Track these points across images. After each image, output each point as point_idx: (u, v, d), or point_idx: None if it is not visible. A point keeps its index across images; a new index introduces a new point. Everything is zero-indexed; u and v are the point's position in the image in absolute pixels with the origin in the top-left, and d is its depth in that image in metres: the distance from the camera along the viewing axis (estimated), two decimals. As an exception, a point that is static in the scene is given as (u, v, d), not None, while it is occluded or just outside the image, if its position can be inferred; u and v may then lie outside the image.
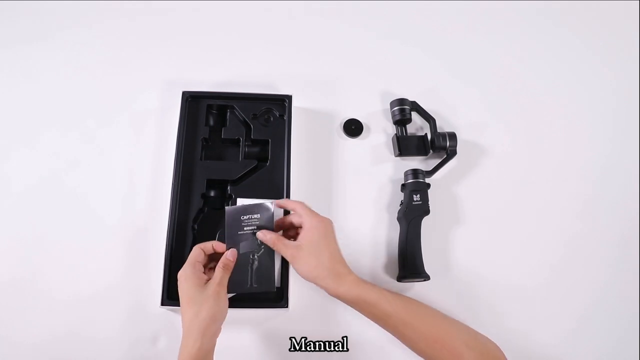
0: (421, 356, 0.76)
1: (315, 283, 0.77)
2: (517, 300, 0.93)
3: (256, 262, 0.81)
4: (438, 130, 1.01)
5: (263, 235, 0.80)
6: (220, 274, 0.76)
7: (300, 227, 0.80)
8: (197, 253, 0.77)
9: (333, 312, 0.89)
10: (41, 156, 0.98)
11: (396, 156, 1.02)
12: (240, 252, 0.80)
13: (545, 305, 0.93)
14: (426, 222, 0.93)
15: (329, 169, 1.00)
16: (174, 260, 0.84)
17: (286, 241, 0.79)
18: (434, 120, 1.02)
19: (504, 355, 0.75)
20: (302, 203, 0.82)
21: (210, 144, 0.96)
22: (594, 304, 0.94)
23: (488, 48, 1.14)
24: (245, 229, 0.81)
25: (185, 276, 0.75)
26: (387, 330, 0.78)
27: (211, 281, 0.75)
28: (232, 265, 0.78)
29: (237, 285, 0.80)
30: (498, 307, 0.92)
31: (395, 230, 0.94)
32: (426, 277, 0.89)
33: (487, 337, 0.77)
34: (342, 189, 0.98)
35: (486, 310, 0.92)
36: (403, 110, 1.01)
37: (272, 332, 0.87)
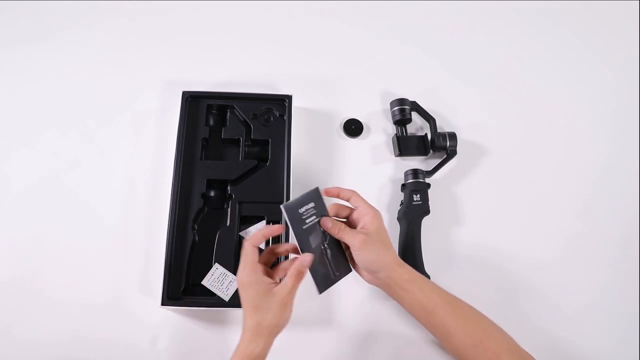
0: (460, 356, 0.77)
1: (380, 271, 0.76)
2: (518, 300, 0.94)
3: (329, 251, 0.79)
4: (438, 130, 1.02)
5: (325, 224, 0.77)
6: (292, 282, 0.71)
7: (351, 215, 0.79)
8: (252, 251, 0.72)
9: (333, 312, 0.91)
10: (41, 156, 0.99)
11: (396, 156, 1.03)
12: (313, 246, 0.77)
13: (546, 306, 0.95)
14: (426, 222, 0.94)
15: (329, 169, 1.01)
16: (174, 260, 0.85)
17: (351, 229, 0.77)
18: (434, 120, 1.03)
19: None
20: (354, 193, 0.79)
21: (210, 143, 0.97)
22: (594, 304, 0.95)
23: (488, 48, 1.16)
24: (307, 221, 0.77)
25: (249, 283, 0.71)
26: (427, 325, 0.79)
27: (280, 289, 0.71)
28: (306, 272, 0.73)
29: (325, 280, 0.78)
30: (498, 307, 0.92)
31: (396, 230, 0.95)
32: (426, 277, 0.90)
33: (527, 353, 0.76)
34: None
35: (486, 311, 0.92)
36: (403, 110, 1.02)
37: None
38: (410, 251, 0.91)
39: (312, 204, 0.77)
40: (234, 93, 1.00)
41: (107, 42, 1.10)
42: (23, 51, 1.08)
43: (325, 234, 0.78)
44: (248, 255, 0.72)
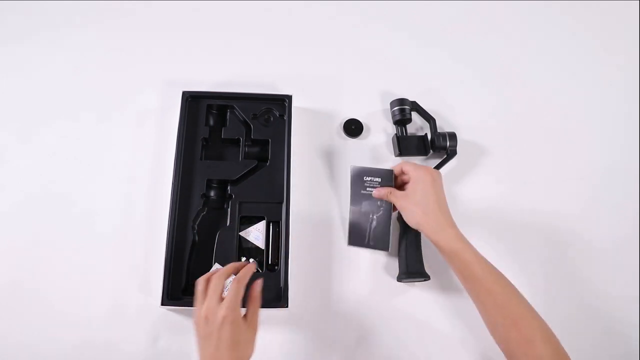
0: (493, 335, 0.79)
1: (419, 229, 0.85)
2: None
3: (374, 222, 0.94)
4: (438, 130, 1.03)
5: (377, 192, 0.90)
6: (255, 310, 0.77)
7: (407, 182, 0.89)
8: (242, 292, 0.74)
9: (333, 312, 0.91)
10: (40, 156, 1.00)
11: (396, 156, 1.04)
12: (362, 210, 0.94)
13: (546, 305, 0.95)
14: (426, 222, 0.95)
15: (329, 169, 1.02)
16: (174, 260, 0.86)
17: (397, 192, 0.88)
18: (434, 120, 1.04)
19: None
20: (404, 162, 0.91)
21: (210, 143, 0.98)
22: (595, 304, 0.96)
23: (488, 48, 1.17)
24: (367, 189, 0.94)
25: (232, 319, 0.71)
26: (470, 295, 0.82)
27: (251, 322, 0.75)
28: (259, 297, 0.78)
29: (357, 240, 0.94)
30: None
31: (396, 230, 0.96)
32: (426, 277, 0.90)
33: (561, 344, 0.76)
34: (342, 189, 1.00)
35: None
36: (403, 110, 1.03)
37: (272, 332, 0.89)
38: (411, 251, 0.92)
39: (378, 179, 0.94)
40: (234, 93, 1.00)
41: (106, 42, 1.11)
42: (22, 50, 1.09)
43: (380, 207, 0.93)
44: (237, 293, 0.73)
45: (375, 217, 0.94)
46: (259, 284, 0.79)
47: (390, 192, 0.89)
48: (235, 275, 0.76)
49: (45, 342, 0.87)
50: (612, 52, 1.19)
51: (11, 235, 0.94)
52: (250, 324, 0.75)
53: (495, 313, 0.78)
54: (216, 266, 0.87)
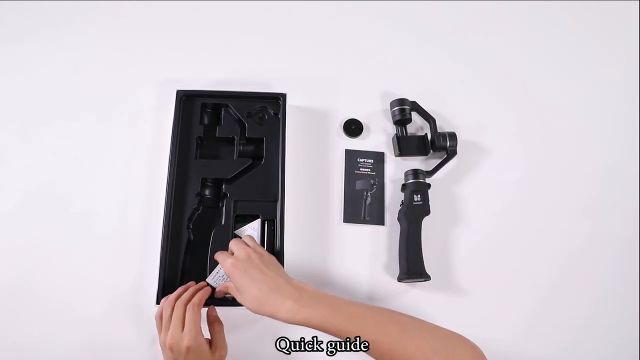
0: None
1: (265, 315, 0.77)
2: (518, 300, 0.96)
3: (369, 199, 1.02)
4: (438, 130, 1.06)
5: (218, 293, 0.85)
6: (219, 334, 0.84)
7: None
8: (198, 316, 0.80)
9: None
10: (35, 155, 1.03)
11: (396, 156, 1.07)
12: (357, 188, 1.03)
13: (546, 306, 0.97)
14: (427, 222, 0.98)
15: (329, 169, 1.05)
16: (169, 259, 0.89)
17: (231, 287, 0.81)
18: (434, 120, 1.07)
19: (484, 356, 0.73)
20: (219, 255, 0.84)
21: (205, 142, 1.01)
22: (595, 304, 0.99)
23: (488, 48, 1.20)
24: (361, 169, 1.04)
25: (196, 347, 0.76)
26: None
27: (218, 345, 0.82)
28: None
29: (353, 217, 1.00)
30: (498, 308, 0.95)
31: (396, 230, 0.99)
32: (427, 277, 0.93)
33: (459, 340, 0.74)
34: (341, 189, 1.03)
35: (487, 311, 0.95)
36: (403, 110, 1.06)
37: (266, 331, 0.91)
38: (411, 251, 0.94)
39: (371, 161, 1.05)
40: (228, 92, 1.03)
41: (101, 42, 1.14)
42: (18, 49, 1.12)
43: (373, 185, 1.03)
44: (195, 320, 0.78)
45: (369, 194, 1.00)
46: (213, 308, 0.87)
47: (228, 287, 0.82)
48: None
49: (42, 341, 0.89)
50: (612, 52, 1.23)
51: (10, 235, 0.96)
52: (217, 347, 0.82)
53: (374, 356, 0.74)
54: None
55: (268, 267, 0.79)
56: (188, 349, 0.76)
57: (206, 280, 0.88)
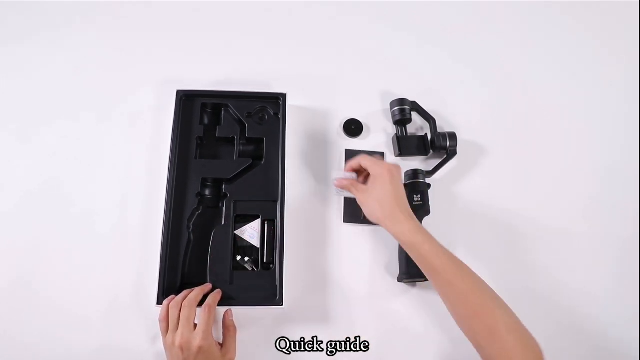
0: (459, 326, 0.82)
1: (379, 224, 0.89)
2: (517, 300, 0.97)
3: None
4: (438, 130, 1.07)
5: (339, 182, 0.94)
6: (232, 339, 0.87)
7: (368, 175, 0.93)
8: (212, 318, 0.83)
9: (330, 312, 0.94)
10: (35, 155, 1.04)
11: (396, 156, 1.08)
12: None
13: (545, 306, 0.99)
14: (427, 222, 0.99)
15: (329, 169, 1.06)
16: (170, 259, 0.90)
17: (359, 186, 0.92)
18: (434, 120, 1.08)
19: (542, 352, 0.76)
20: (362, 157, 0.93)
21: (205, 142, 1.02)
22: (595, 304, 1.00)
23: (488, 48, 1.22)
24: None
25: (207, 348, 0.80)
26: (434, 287, 0.85)
27: (228, 350, 0.85)
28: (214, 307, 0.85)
29: (353, 217, 1.01)
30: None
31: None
32: (426, 278, 0.93)
33: (528, 331, 0.78)
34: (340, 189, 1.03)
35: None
36: (403, 110, 1.07)
37: (268, 330, 0.93)
38: (410, 251, 0.95)
39: None
40: (229, 92, 1.04)
41: (101, 41, 1.15)
42: (17, 50, 1.13)
43: None
44: (208, 321, 0.82)
45: None
46: (230, 312, 0.90)
47: (352, 184, 0.93)
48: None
49: (43, 341, 0.91)
50: (612, 52, 1.24)
51: (10, 235, 0.97)
52: (228, 350, 0.85)
53: (456, 304, 0.82)
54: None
55: (403, 189, 0.90)
56: (200, 348, 0.78)
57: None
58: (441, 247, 0.84)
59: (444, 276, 0.82)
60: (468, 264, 0.98)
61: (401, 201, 0.88)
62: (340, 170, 1.02)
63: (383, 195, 0.87)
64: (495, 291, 0.81)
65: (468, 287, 0.81)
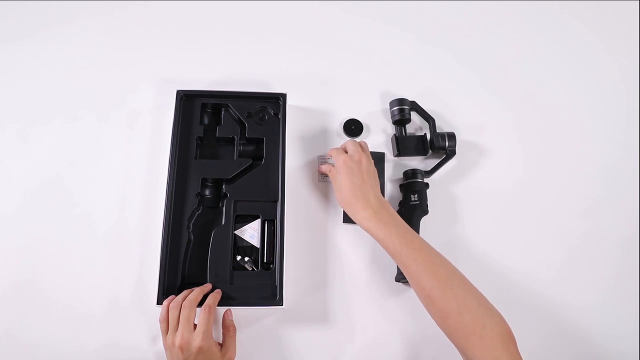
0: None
1: (345, 211, 0.97)
2: (517, 301, 0.99)
3: None
4: (437, 131, 1.08)
5: (319, 168, 1.04)
6: (232, 339, 0.89)
7: None
8: (212, 319, 0.84)
9: (329, 312, 0.96)
10: (35, 155, 1.04)
11: (395, 156, 1.09)
12: None
13: (545, 306, 0.99)
14: (425, 222, 1.00)
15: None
16: (170, 259, 0.91)
17: (334, 172, 0.96)
18: (433, 120, 1.09)
19: (507, 327, 0.78)
20: (332, 149, 0.99)
21: (205, 142, 1.03)
22: (595, 304, 1.01)
23: (488, 48, 1.22)
24: None
25: (207, 348, 0.81)
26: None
27: (228, 350, 0.87)
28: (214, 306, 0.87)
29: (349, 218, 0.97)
30: (498, 308, 0.97)
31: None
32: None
33: (496, 313, 0.80)
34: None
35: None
36: (402, 110, 1.08)
37: (268, 330, 0.94)
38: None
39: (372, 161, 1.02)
40: (228, 92, 1.05)
41: (101, 42, 1.16)
42: (17, 49, 1.14)
43: None
44: (208, 321, 0.83)
45: None
46: (229, 312, 0.92)
47: (329, 170, 0.98)
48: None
49: (43, 341, 0.92)
50: (612, 51, 1.25)
51: (10, 235, 0.98)
52: (227, 350, 0.86)
53: (413, 287, 0.85)
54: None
55: (368, 177, 0.93)
56: (199, 349, 0.80)
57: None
58: (401, 232, 0.87)
59: (399, 259, 0.85)
60: (466, 264, 1.00)
61: (358, 191, 0.91)
62: (324, 155, 1.07)
63: (341, 185, 0.92)
64: (460, 273, 0.83)
65: (420, 270, 0.82)
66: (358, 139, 1.09)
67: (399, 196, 1.04)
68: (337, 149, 0.98)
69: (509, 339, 0.76)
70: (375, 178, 0.96)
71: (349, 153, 0.95)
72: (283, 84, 1.10)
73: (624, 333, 0.99)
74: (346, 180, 0.91)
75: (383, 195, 1.02)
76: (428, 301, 0.81)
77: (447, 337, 0.80)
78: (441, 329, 0.80)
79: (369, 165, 0.95)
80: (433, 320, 0.83)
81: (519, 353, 0.76)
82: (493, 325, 0.77)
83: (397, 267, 0.96)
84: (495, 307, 0.80)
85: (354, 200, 0.90)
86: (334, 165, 0.96)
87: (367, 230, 0.88)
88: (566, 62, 1.22)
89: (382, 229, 0.86)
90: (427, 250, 0.85)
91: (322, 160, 1.06)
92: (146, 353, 0.91)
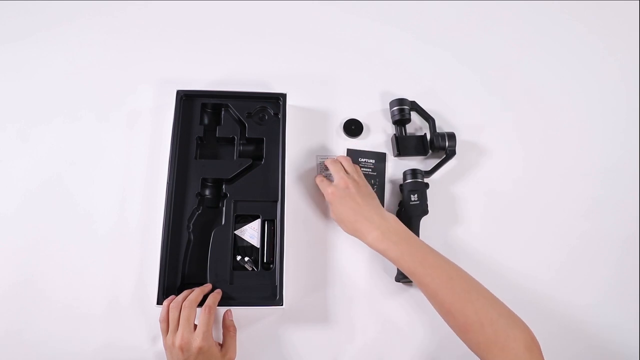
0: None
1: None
2: (517, 301, 0.98)
3: None
4: (437, 131, 1.09)
5: (316, 179, 1.01)
6: (232, 339, 0.89)
7: None
8: (212, 319, 0.85)
9: (329, 312, 0.96)
10: (35, 155, 1.05)
11: (395, 156, 1.09)
12: None
13: (545, 307, 1.00)
14: (425, 222, 1.00)
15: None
16: (170, 259, 0.91)
17: (328, 194, 0.94)
18: (433, 120, 1.09)
19: (532, 335, 0.78)
20: (332, 162, 0.98)
21: (205, 142, 1.03)
22: (595, 304, 1.01)
23: (488, 48, 1.23)
24: (362, 169, 1.04)
25: (207, 349, 0.82)
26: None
27: (228, 350, 0.87)
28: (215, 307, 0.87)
29: None
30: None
31: (390, 206, 1.03)
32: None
33: (513, 318, 0.79)
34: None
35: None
36: (402, 110, 1.08)
37: (268, 330, 0.94)
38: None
39: (373, 161, 1.07)
40: (228, 92, 1.05)
41: (101, 42, 1.16)
42: (17, 49, 1.14)
43: (373, 185, 1.04)
44: (208, 322, 0.84)
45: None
46: (229, 312, 0.92)
47: (322, 181, 0.98)
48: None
49: (43, 341, 0.92)
50: (612, 51, 1.25)
51: (10, 235, 0.99)
52: (228, 350, 0.87)
53: (433, 304, 0.84)
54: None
55: (363, 198, 0.91)
56: (200, 349, 0.80)
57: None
58: (413, 250, 0.86)
59: (415, 279, 0.84)
60: (466, 264, 1.00)
61: (359, 215, 0.90)
62: (323, 155, 1.08)
63: (340, 216, 0.92)
64: (478, 283, 0.83)
65: (437, 287, 0.82)
66: (358, 139, 1.10)
67: (399, 196, 1.04)
68: (323, 181, 0.98)
69: (533, 347, 0.76)
70: (371, 195, 0.95)
71: (334, 183, 0.94)
72: (283, 84, 1.10)
73: (624, 333, 0.99)
74: (342, 208, 0.91)
75: (382, 200, 1.03)
76: (449, 317, 0.81)
77: (471, 350, 0.79)
78: (464, 342, 0.80)
79: (359, 186, 0.94)
80: (433, 321, 0.84)
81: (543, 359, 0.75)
82: (516, 335, 0.76)
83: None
84: (517, 315, 0.80)
85: (358, 226, 0.89)
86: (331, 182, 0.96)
87: (379, 252, 0.87)
88: (566, 62, 1.22)
89: (394, 250, 0.85)
90: (442, 264, 0.84)
91: (321, 158, 1.06)
92: (146, 353, 0.91)
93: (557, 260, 1.03)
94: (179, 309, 0.83)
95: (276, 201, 0.97)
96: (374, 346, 0.94)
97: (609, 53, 1.24)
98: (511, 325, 0.77)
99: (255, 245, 0.95)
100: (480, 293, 0.81)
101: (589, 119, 1.17)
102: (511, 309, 0.81)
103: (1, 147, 1.05)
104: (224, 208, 0.97)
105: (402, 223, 0.90)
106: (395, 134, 1.09)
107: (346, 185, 0.92)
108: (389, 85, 1.15)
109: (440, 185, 1.06)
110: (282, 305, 0.89)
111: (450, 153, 1.06)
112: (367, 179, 1.01)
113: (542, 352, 0.76)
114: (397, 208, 1.03)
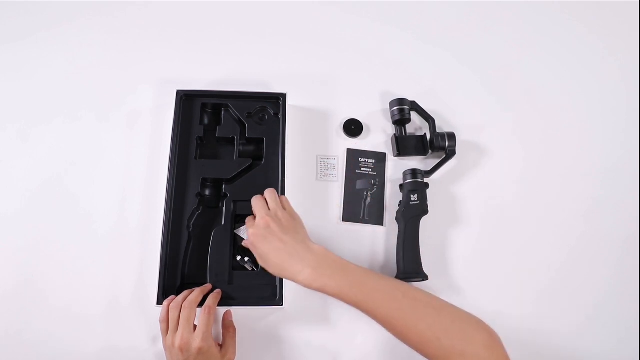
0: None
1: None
2: (517, 301, 0.99)
3: (369, 199, 1.05)
4: (437, 131, 1.09)
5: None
6: (232, 340, 0.90)
7: None
8: (211, 319, 0.84)
9: (329, 312, 0.96)
10: (35, 155, 1.05)
11: (395, 156, 1.09)
12: (357, 188, 1.06)
13: (545, 306, 1.00)
14: (425, 222, 1.00)
15: (329, 169, 1.07)
16: (170, 259, 0.92)
17: (249, 222, 0.87)
18: (433, 120, 1.09)
19: (500, 342, 0.74)
20: (255, 199, 0.87)
21: (205, 142, 1.04)
22: (595, 304, 1.02)
23: (488, 48, 1.23)
24: (362, 169, 1.07)
25: (207, 349, 0.82)
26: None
27: (228, 350, 0.87)
28: (214, 307, 0.86)
29: (352, 216, 1.03)
30: (497, 308, 0.98)
31: (395, 231, 1.02)
32: (424, 277, 0.96)
33: (474, 322, 0.76)
34: (340, 189, 1.06)
35: (485, 312, 0.97)
36: (402, 110, 1.08)
37: (268, 330, 0.94)
38: (409, 251, 0.97)
39: (373, 161, 1.08)
40: (228, 92, 1.05)
41: (101, 42, 1.16)
42: (17, 49, 1.14)
43: (373, 186, 1.05)
44: (208, 322, 0.84)
45: (369, 194, 1.03)
46: (229, 313, 0.93)
47: (249, 220, 0.88)
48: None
49: (43, 341, 0.92)
50: (612, 51, 1.25)
51: (10, 235, 0.99)
52: (227, 350, 0.87)
53: (387, 329, 0.78)
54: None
55: (287, 234, 0.81)
56: (199, 349, 0.80)
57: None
58: (351, 279, 0.78)
59: (361, 308, 0.77)
60: (466, 264, 1.01)
61: (283, 253, 0.80)
62: (323, 155, 1.08)
63: (264, 258, 0.81)
64: (423, 294, 0.78)
65: (385, 311, 0.77)
66: (358, 139, 1.10)
67: (399, 196, 1.04)
68: (249, 220, 0.88)
69: (493, 344, 0.73)
70: (295, 228, 0.84)
71: (255, 223, 0.84)
72: (283, 84, 1.11)
73: (624, 333, 1.00)
74: (265, 250, 0.81)
75: (382, 200, 1.03)
76: (404, 338, 0.76)
77: None
78: (425, 358, 0.76)
79: (281, 221, 0.83)
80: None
81: (506, 355, 0.73)
82: (473, 337, 0.73)
83: (397, 266, 0.97)
84: (471, 314, 0.76)
85: (286, 266, 0.79)
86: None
87: (316, 290, 0.78)
88: (566, 62, 1.22)
89: (331, 286, 0.77)
90: (383, 287, 0.78)
91: (322, 158, 1.06)
92: (146, 353, 0.92)
93: (557, 260, 1.04)
94: (179, 310, 0.84)
95: (276, 201, 0.97)
96: (374, 346, 0.95)
97: (609, 53, 1.24)
98: (466, 329, 0.75)
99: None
100: (428, 305, 0.77)
101: (589, 119, 1.17)
102: (465, 309, 0.77)
103: (1, 147, 1.05)
104: (223, 208, 0.98)
105: (331, 252, 0.81)
106: (395, 134, 1.10)
107: (266, 224, 0.81)
108: (389, 85, 1.15)
109: (440, 185, 1.06)
110: (282, 305, 0.89)
111: (450, 153, 1.06)
112: (367, 179, 1.01)
113: (504, 347, 0.74)
114: (397, 208, 1.03)
